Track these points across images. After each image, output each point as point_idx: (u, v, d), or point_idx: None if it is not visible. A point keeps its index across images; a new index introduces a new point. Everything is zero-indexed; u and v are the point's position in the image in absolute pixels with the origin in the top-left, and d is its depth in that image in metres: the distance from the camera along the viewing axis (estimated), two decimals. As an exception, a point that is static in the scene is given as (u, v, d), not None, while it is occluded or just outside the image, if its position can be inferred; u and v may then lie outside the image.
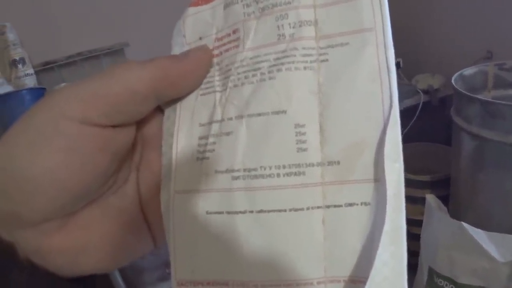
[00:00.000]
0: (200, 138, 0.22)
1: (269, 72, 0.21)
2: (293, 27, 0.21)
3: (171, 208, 0.22)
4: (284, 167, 0.19)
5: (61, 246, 0.20)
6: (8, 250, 0.19)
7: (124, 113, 0.21)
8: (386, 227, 0.16)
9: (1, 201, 0.19)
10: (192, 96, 0.23)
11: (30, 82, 1.24)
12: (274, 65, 0.21)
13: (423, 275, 0.84)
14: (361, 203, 0.18)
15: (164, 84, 0.21)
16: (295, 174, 0.19)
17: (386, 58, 0.19)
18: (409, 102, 1.31)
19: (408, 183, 1.10)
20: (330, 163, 0.19)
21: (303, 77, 0.20)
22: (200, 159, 0.22)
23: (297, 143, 0.19)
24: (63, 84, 1.15)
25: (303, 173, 0.19)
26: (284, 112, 0.20)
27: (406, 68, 1.39)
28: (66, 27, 1.36)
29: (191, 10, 0.25)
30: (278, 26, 0.21)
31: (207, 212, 0.21)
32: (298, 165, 0.19)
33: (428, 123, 1.30)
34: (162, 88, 0.21)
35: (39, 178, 0.18)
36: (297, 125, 0.20)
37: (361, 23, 0.19)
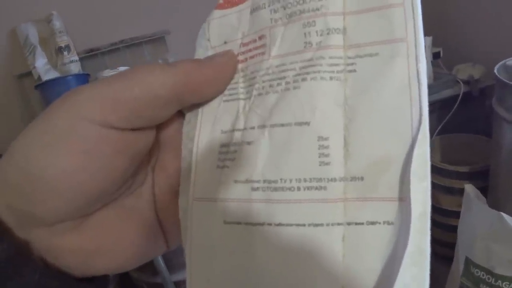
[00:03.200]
0: (222, 145, 0.22)
1: (294, 81, 0.20)
2: (321, 35, 0.20)
3: (190, 215, 0.22)
4: (305, 180, 0.19)
5: (74, 246, 0.20)
6: (22, 248, 0.19)
7: (145, 117, 0.20)
8: (409, 249, 0.15)
9: (17, 200, 0.18)
10: (215, 102, 0.23)
11: (75, 68, 1.28)
12: (299, 74, 0.20)
13: (459, 265, 0.83)
14: (384, 222, 0.17)
15: (187, 89, 0.21)
16: (316, 188, 0.18)
17: (417, 70, 0.18)
18: (449, 92, 1.30)
19: (446, 174, 1.11)
20: (353, 178, 0.18)
21: (328, 88, 0.19)
22: (221, 167, 0.21)
23: (319, 157, 0.19)
24: (106, 70, 1.19)
25: (325, 188, 0.18)
26: (307, 123, 0.19)
27: (447, 58, 1.36)
28: (110, 15, 1.40)
29: (217, 13, 0.24)
30: (305, 34, 0.20)
31: (225, 222, 0.20)
32: (320, 179, 0.18)
33: (467, 114, 1.28)
34: (184, 93, 0.21)
35: (55, 179, 0.18)
36: (320, 138, 0.19)
37: (392, 33, 0.18)
